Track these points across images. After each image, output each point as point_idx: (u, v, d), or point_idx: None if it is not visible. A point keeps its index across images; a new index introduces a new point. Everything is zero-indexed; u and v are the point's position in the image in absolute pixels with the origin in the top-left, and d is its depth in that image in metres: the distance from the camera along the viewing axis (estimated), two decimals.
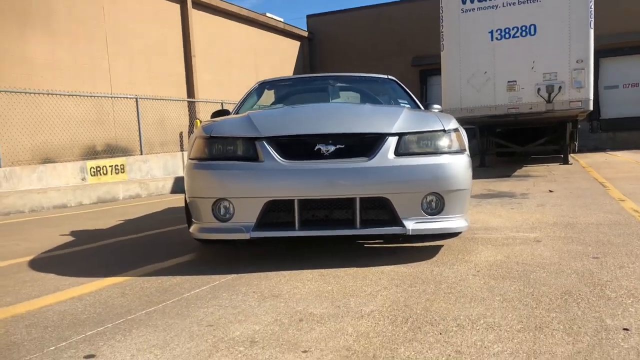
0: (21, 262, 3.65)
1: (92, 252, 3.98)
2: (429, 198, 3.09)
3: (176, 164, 10.61)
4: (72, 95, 10.20)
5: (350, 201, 3.05)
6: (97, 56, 13.60)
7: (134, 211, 6.95)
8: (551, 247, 3.36)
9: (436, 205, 3.11)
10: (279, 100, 5.12)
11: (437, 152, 3.19)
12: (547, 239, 3.62)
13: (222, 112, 4.95)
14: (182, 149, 16.02)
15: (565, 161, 11.59)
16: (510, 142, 11.94)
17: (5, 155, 9.84)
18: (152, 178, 9.91)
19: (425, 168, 3.07)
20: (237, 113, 4.77)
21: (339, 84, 5.15)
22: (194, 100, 15.41)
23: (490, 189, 7.46)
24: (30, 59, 10.93)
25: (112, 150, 13.01)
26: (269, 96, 5.55)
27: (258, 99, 5.23)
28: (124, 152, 13.52)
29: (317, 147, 3.14)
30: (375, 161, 3.05)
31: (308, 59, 21.75)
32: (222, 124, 3.48)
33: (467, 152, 3.38)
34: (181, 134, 16.05)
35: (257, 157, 3.11)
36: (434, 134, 3.25)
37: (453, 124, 3.42)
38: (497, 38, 9.80)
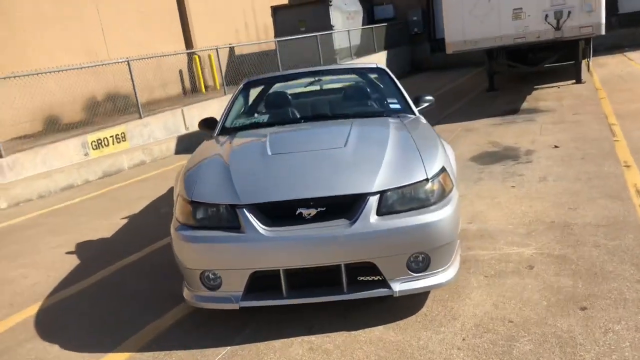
0: (27, 320, 3.78)
1: (94, 298, 4.09)
2: (414, 257, 3.06)
3: (177, 122, 10.48)
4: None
5: (336, 267, 3.04)
6: (85, 3, 13.05)
7: (139, 195, 7.00)
8: (542, 282, 3.35)
9: (422, 262, 3.08)
10: (265, 106, 4.95)
11: (421, 206, 3.11)
12: (540, 264, 3.60)
13: (209, 121, 4.84)
14: (183, 92, 15.75)
15: (578, 79, 11.17)
16: (521, 63, 11.46)
17: (6, 123, 9.76)
18: (154, 141, 9.86)
19: (409, 230, 3.00)
20: (224, 121, 4.65)
21: (326, 86, 4.97)
22: (187, 52, 14.86)
23: (495, 142, 7.30)
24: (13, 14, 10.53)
25: (114, 99, 12.85)
26: (256, 94, 5.36)
27: (245, 101, 5.07)
28: (126, 99, 13.36)
29: (298, 212, 3.09)
30: (358, 226, 2.99)
31: None
32: (203, 184, 3.39)
33: (454, 192, 3.29)
34: (180, 71, 15.71)
35: (240, 227, 3.08)
36: (417, 186, 3.15)
37: (437, 164, 3.31)
38: None
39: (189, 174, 3.60)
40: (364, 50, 18.31)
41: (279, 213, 3.14)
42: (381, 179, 3.15)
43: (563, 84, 11.46)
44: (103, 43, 13.57)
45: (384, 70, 4.91)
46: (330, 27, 16.92)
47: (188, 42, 16.44)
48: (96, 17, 13.53)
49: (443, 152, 3.54)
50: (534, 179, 5.43)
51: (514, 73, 12.62)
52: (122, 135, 9.27)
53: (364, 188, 3.10)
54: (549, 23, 8.91)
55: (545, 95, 10.39)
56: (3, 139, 10.11)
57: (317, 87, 5.53)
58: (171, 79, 15.25)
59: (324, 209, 3.09)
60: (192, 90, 15.53)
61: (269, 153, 3.60)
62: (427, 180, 3.18)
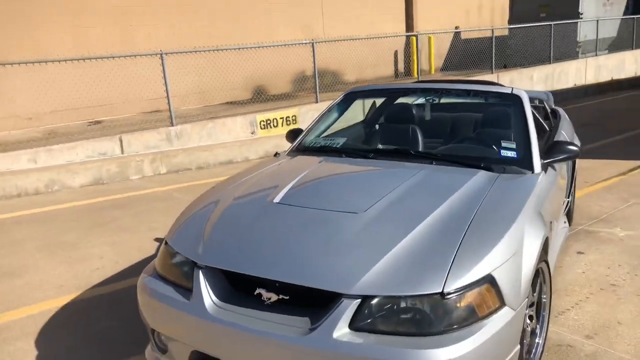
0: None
1: None
2: None
3: (356, 110, 9.92)
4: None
5: None
6: None
7: None
8: None
9: None
10: (364, 126, 4.13)
11: (422, 331, 2.04)
12: None
13: (296, 132, 4.18)
14: (395, 73, 15.11)
15: None
16: None
17: (219, 88, 10.56)
18: None
19: None
20: (304, 137, 3.96)
21: (438, 112, 3.96)
22: (406, 34, 14.03)
23: None
24: None
25: (322, 75, 12.93)
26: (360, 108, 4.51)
27: (339, 115, 4.25)
28: (334, 77, 13.34)
29: (257, 292, 2.31)
30: (315, 337, 2.06)
31: None
32: (187, 222, 2.82)
33: (500, 316, 2.15)
34: (396, 52, 15.03)
35: (191, 290, 2.44)
36: (422, 300, 2.08)
37: (475, 272, 2.14)
38: None
39: (186, 208, 3.04)
40: (616, 45, 15.15)
41: (239, 287, 2.42)
42: (372, 277, 2.14)
43: None
44: (320, 18, 13.62)
45: (518, 98, 3.56)
46: (577, 15, 14.32)
47: (409, 21, 15.60)
48: None
49: (506, 251, 2.30)
50: None
51: None
52: (294, 117, 9.12)
53: (341, 285, 2.14)
54: None
55: None
56: (215, 103, 11.14)
57: (428, 107, 4.43)
58: (384, 60, 14.72)
59: (287, 297, 2.26)
60: (405, 73, 14.81)
61: (276, 200, 2.81)
62: (440, 295, 2.07)
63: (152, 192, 6.69)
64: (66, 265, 4.40)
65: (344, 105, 4.26)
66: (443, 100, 4.61)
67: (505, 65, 14.38)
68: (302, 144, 3.91)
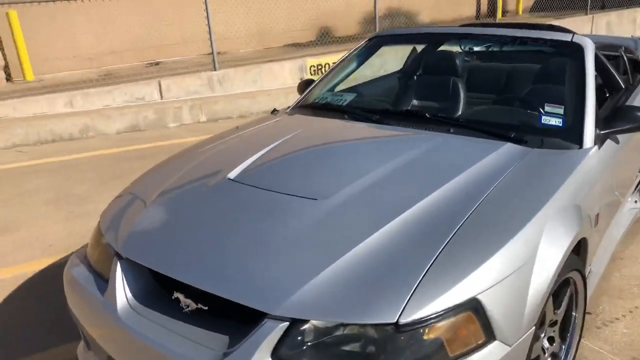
0: None
1: None
2: None
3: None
4: None
5: None
6: None
7: None
8: None
9: None
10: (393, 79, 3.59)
11: None
12: None
13: (308, 84, 3.58)
14: (477, 14, 13.71)
15: None
16: None
17: (277, 31, 9.97)
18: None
19: None
20: (310, 91, 3.36)
21: (482, 63, 3.23)
22: None
23: None
24: None
25: (393, 16, 11.93)
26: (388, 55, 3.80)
27: (359, 64, 3.58)
28: (407, 19, 12.26)
29: (175, 296, 1.81)
30: None
31: None
32: (124, 198, 2.36)
33: (497, 347, 1.56)
34: None
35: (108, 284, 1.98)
36: (367, 330, 1.51)
37: (459, 294, 1.56)
38: None
39: (139, 177, 2.56)
40: None
41: (156, 288, 1.94)
42: (306, 294, 1.57)
43: None
44: None
45: (579, 48, 2.69)
46: None
47: None
48: None
49: (505, 264, 1.63)
50: None
51: None
52: None
53: (263, 302, 1.59)
54: None
55: None
56: (276, 45, 10.57)
57: (469, 58, 3.60)
58: None
59: (206, 308, 1.75)
60: (489, 13, 13.43)
61: (230, 176, 2.24)
62: (394, 326, 1.47)
63: (185, 143, 6.31)
64: (65, 222, 4.12)
65: (366, 52, 3.58)
66: (495, 50, 3.77)
67: (603, 6, 12.60)
68: (306, 100, 3.30)
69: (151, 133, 6.75)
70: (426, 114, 2.65)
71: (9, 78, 8.25)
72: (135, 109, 6.89)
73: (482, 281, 1.57)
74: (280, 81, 8.01)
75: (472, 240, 1.68)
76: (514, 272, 1.65)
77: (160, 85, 7.28)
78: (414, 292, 1.51)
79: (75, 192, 4.74)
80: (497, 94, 3.10)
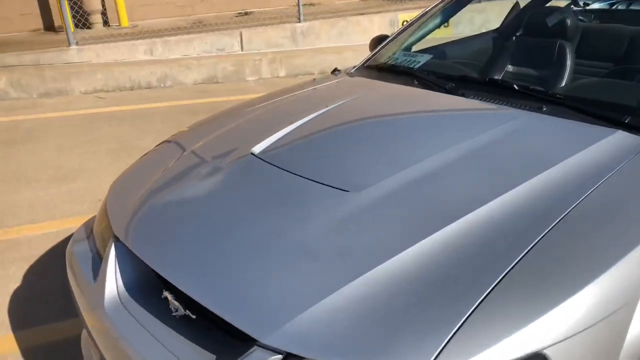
0: None
1: None
2: None
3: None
4: None
5: None
6: None
7: None
8: None
9: None
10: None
11: None
12: None
13: (381, 40, 3.13)
14: None
15: None
16: None
17: None
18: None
19: None
20: (381, 49, 2.91)
21: (597, 23, 2.57)
22: None
23: None
24: None
25: None
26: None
27: (443, 20, 3.05)
28: None
29: (164, 295, 1.50)
30: None
31: None
32: (130, 171, 2.07)
33: None
34: None
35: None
36: None
37: (514, 345, 1.08)
38: None
39: (166, 140, 2.26)
40: None
41: (145, 282, 1.63)
42: (305, 323, 1.18)
43: None
44: None
45: None
46: None
47: None
48: None
49: (598, 305, 1.14)
50: None
51: None
52: None
53: (254, 325, 1.23)
54: None
55: None
56: None
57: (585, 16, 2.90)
58: None
59: (194, 317, 1.42)
60: None
61: (255, 151, 1.85)
62: None
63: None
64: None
65: (453, 7, 3.01)
66: (621, 9, 3.06)
67: None
68: (375, 59, 2.83)
69: (227, 86, 6.52)
70: (514, 85, 2.09)
71: (105, 23, 8.35)
72: (214, 60, 6.67)
73: (553, 329, 1.10)
74: (369, 36, 7.39)
75: (545, 270, 1.20)
76: (603, 319, 1.16)
77: (241, 36, 7.00)
78: (451, 338, 1.08)
79: (138, 143, 4.60)
80: (613, 63, 2.45)
